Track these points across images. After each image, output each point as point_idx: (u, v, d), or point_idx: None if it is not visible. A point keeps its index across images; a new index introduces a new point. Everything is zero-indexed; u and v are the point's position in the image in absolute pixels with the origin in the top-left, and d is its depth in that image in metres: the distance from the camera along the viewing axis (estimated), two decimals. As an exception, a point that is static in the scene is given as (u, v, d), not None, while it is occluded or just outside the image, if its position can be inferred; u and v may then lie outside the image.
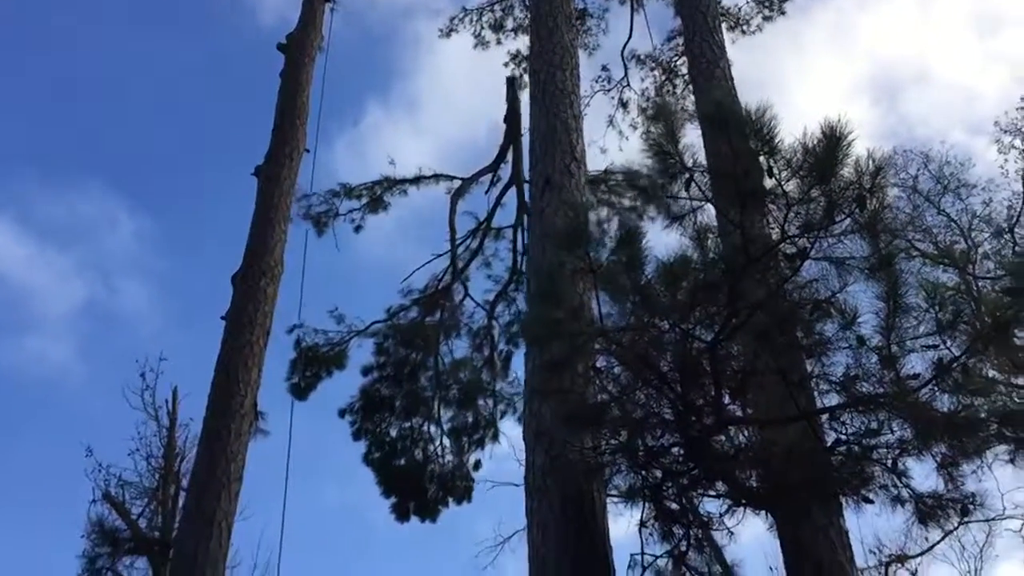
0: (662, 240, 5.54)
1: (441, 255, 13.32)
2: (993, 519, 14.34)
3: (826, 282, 5.29)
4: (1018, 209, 17.95)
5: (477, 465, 12.60)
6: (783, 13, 16.16)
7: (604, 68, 16.96)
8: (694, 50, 10.19)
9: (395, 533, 12.26)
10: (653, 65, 16.81)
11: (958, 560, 15.93)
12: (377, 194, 13.68)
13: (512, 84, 14.00)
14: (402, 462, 12.48)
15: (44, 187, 27.90)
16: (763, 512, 5.79)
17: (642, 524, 5.82)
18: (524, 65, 15.53)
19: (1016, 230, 17.78)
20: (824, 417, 5.49)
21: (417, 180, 13.72)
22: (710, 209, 5.65)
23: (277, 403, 11.38)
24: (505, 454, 12.11)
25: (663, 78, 16.73)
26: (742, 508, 5.69)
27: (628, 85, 16.77)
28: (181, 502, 12.32)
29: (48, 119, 27.28)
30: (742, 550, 6.02)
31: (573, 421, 6.04)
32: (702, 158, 5.65)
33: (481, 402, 12.71)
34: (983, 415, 5.05)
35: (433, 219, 14.40)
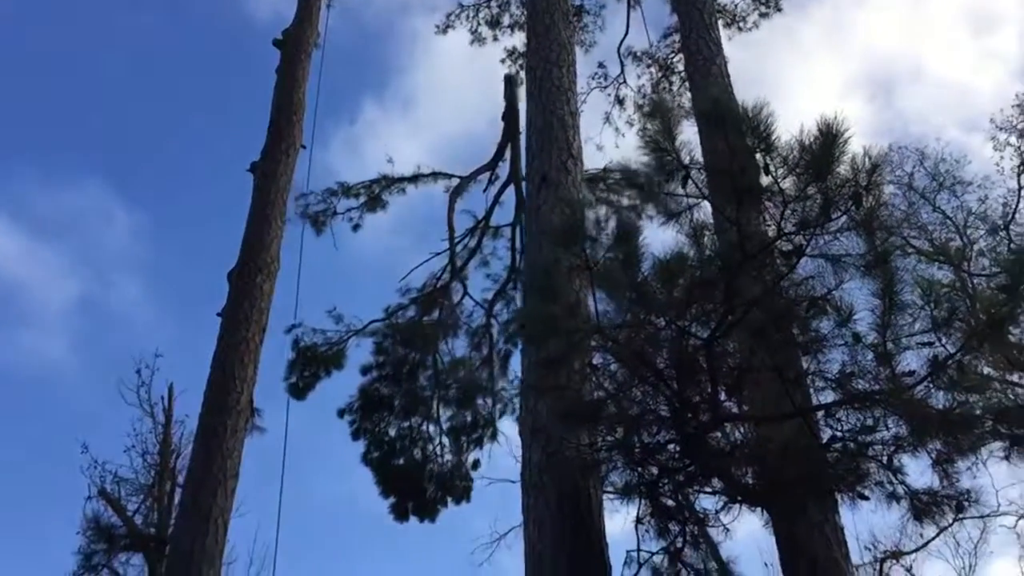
0: (659, 237, 5.55)
1: (439, 253, 13.33)
2: (988, 516, 14.47)
3: (822, 279, 5.30)
4: (1013, 206, 17.99)
5: (476, 465, 12.58)
6: (779, 10, 16.21)
7: (600, 65, 17.00)
8: (690, 47, 10.19)
9: (390, 528, 12.27)
10: (649, 62, 16.84)
11: (952, 556, 16.05)
12: (375, 193, 13.66)
13: (510, 82, 13.98)
14: (401, 462, 12.44)
15: (38, 182, 27.89)
16: (759, 509, 5.80)
17: (638, 521, 5.83)
18: (521, 62, 15.52)
19: (1011, 227, 17.82)
20: (820, 414, 5.50)
21: (415, 178, 13.71)
22: (706, 206, 5.65)
23: (273, 400, 11.40)
24: (501, 451, 12.12)
25: (659, 75, 16.74)
26: (738, 505, 5.70)
27: (624, 82, 16.80)
28: (177, 499, 12.33)
29: (42, 113, 27.23)
30: (738, 546, 6.04)
31: (569, 418, 6.05)
32: (699, 155, 5.65)
33: (480, 401, 12.70)
34: (978, 412, 5.06)
35: (431, 217, 14.39)
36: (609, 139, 16.48)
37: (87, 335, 26.18)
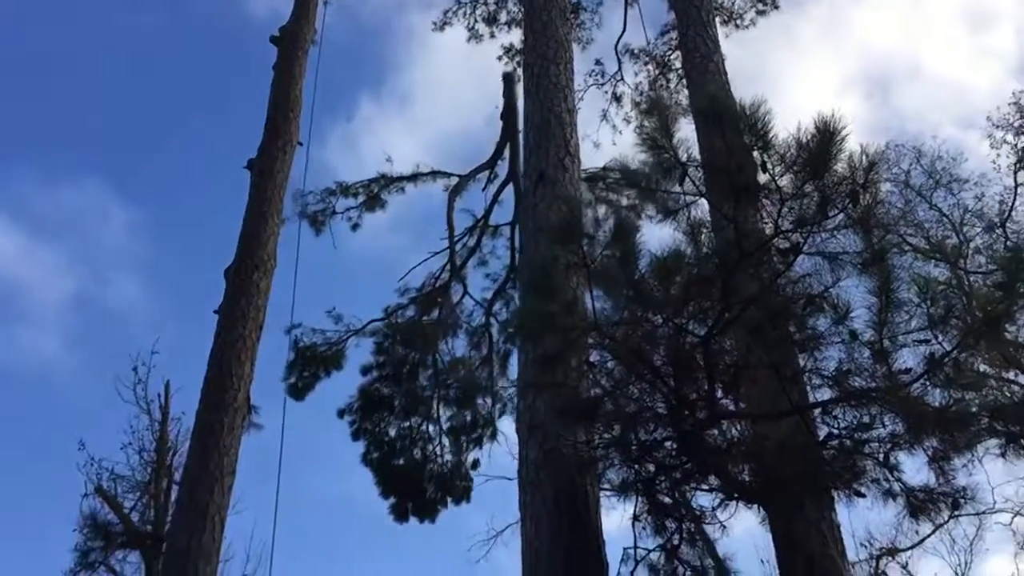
0: (656, 235, 5.56)
1: (439, 253, 13.30)
2: (983, 513, 14.48)
3: (819, 277, 5.31)
4: (1010, 204, 18.02)
5: (476, 464, 12.55)
6: (776, 7, 16.19)
7: (598, 62, 16.98)
8: (688, 44, 10.20)
9: (389, 528, 12.27)
10: (647, 59, 16.82)
11: (948, 553, 16.08)
12: (374, 192, 13.63)
13: (509, 81, 13.94)
14: (401, 462, 12.42)
15: (35, 179, 27.82)
16: (755, 506, 5.81)
17: (635, 518, 5.84)
18: (518, 59, 15.50)
19: (1008, 225, 17.85)
20: (816, 411, 5.51)
21: (414, 177, 13.68)
22: (704, 204, 5.66)
23: (270, 397, 11.40)
24: (500, 448, 12.12)
25: (657, 72, 16.73)
26: (734, 502, 5.71)
27: (622, 79, 16.78)
28: (174, 496, 12.30)
29: (39, 112, 27.17)
30: (734, 544, 6.05)
31: (566, 415, 6.05)
32: (696, 153, 5.65)
33: (480, 401, 12.68)
34: (974, 409, 5.08)
35: (430, 216, 14.38)
36: (606, 136, 16.47)
37: (84, 333, 26.17)
